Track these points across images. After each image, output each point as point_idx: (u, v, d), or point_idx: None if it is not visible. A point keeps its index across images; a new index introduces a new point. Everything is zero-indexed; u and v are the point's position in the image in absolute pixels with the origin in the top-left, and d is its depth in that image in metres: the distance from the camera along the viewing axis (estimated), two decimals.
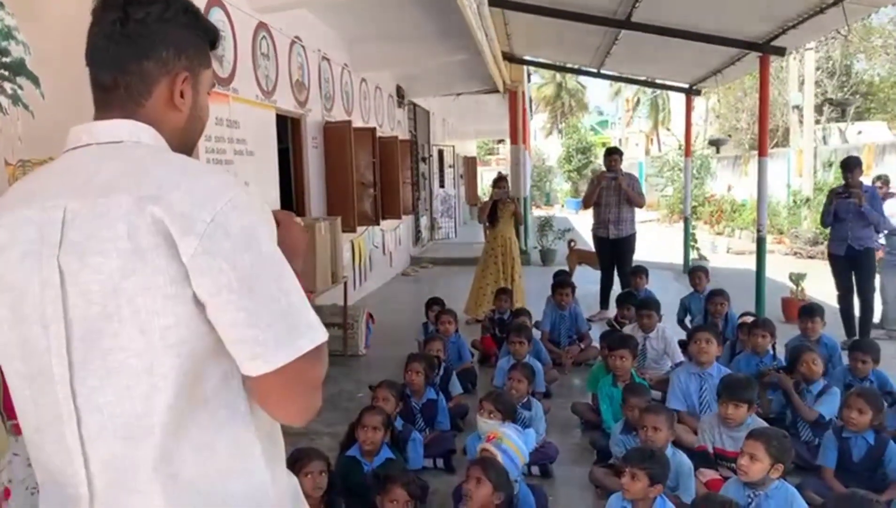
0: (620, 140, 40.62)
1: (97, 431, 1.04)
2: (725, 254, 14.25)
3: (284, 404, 1.09)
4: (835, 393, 4.10)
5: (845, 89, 21.21)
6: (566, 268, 9.28)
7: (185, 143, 1.22)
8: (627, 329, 5.55)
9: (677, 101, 25.36)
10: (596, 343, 5.85)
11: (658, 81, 13.13)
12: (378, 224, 9.48)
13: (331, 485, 3.08)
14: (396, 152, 10.01)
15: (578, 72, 14.96)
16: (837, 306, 6.70)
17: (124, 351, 1.01)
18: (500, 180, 8.28)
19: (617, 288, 7.74)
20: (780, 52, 7.55)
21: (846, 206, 6.42)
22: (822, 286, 7.59)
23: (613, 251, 7.94)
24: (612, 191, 7.76)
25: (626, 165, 8.50)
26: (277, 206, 6.59)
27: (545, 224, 13.18)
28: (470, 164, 24.41)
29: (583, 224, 16.04)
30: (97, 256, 1.00)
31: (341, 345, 6.39)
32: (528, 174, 17.77)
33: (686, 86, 11.18)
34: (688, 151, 11.86)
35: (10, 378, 1.12)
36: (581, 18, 7.94)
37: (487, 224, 8.09)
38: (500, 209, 7.88)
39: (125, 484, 1.04)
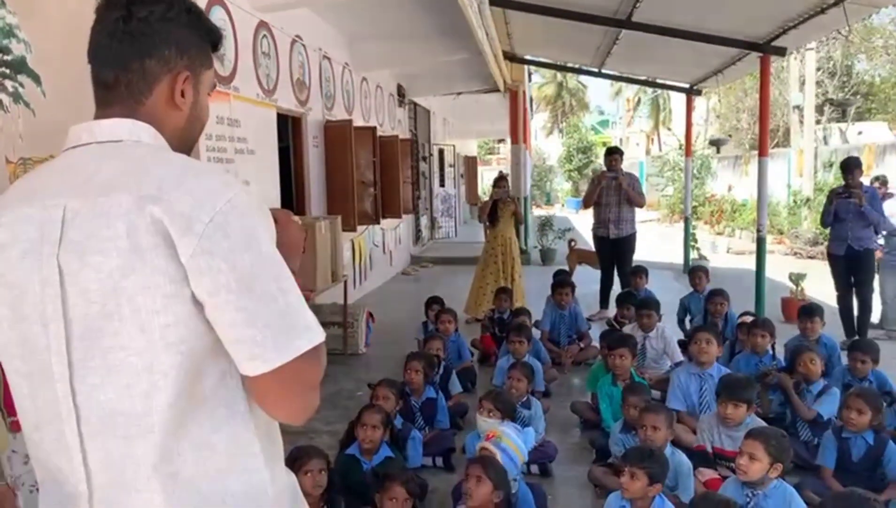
0: (621, 140, 40.65)
1: (97, 429, 1.05)
2: (725, 254, 14.25)
3: (283, 403, 1.10)
4: (834, 393, 4.11)
5: (846, 90, 21.21)
6: (566, 267, 9.28)
7: (184, 142, 1.22)
8: (627, 329, 5.56)
9: (678, 101, 25.35)
10: (596, 343, 5.86)
11: (659, 81, 13.13)
12: (378, 223, 9.48)
13: (330, 483, 3.09)
14: (397, 152, 10.01)
15: (579, 71, 14.96)
16: (836, 306, 6.71)
17: (124, 350, 1.01)
18: (500, 180, 8.29)
19: (617, 288, 7.74)
20: (781, 52, 7.55)
21: (846, 206, 6.42)
22: (821, 287, 7.59)
23: (614, 251, 7.94)
24: (612, 191, 7.76)
25: (626, 165, 8.50)
26: (278, 205, 6.60)
27: (545, 224, 13.18)
28: (470, 163, 24.41)
29: (583, 224, 16.05)
30: (97, 255, 1.00)
31: (341, 344, 6.39)
32: (529, 174, 17.76)
33: (687, 86, 11.18)
34: (688, 150, 11.86)
35: (10, 377, 1.12)
36: (582, 18, 7.94)
37: (487, 224, 8.09)
38: (500, 209, 7.88)
39: (124, 483, 1.05)
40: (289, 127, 7.29)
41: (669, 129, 35.42)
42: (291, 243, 1.23)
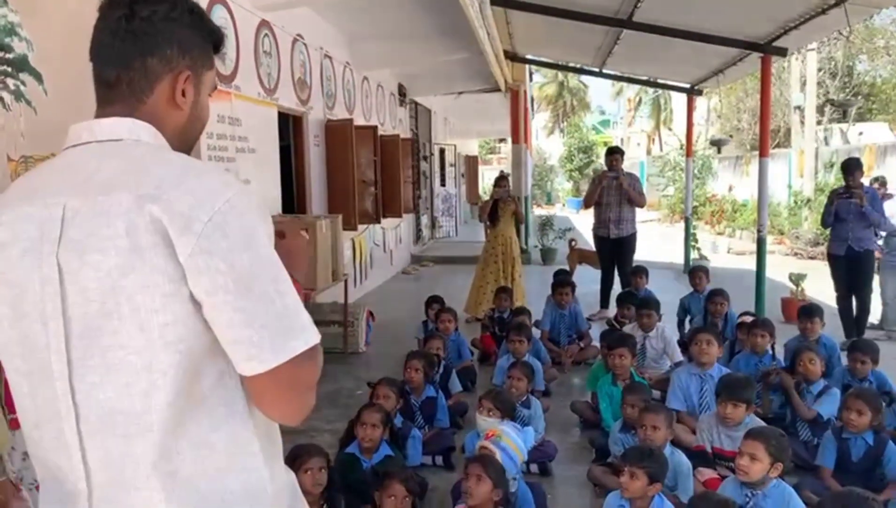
0: (622, 140, 40.62)
1: (96, 427, 1.05)
2: (726, 254, 14.25)
3: (279, 403, 1.10)
4: (834, 394, 4.11)
5: (847, 90, 21.18)
6: (567, 267, 9.28)
7: (184, 142, 1.23)
8: (627, 329, 5.57)
9: (679, 101, 25.35)
10: (596, 342, 5.86)
11: (660, 81, 13.13)
12: (379, 222, 9.48)
13: (330, 482, 3.09)
14: (398, 151, 10.01)
15: (580, 71, 14.97)
16: (836, 306, 6.71)
17: (124, 348, 1.01)
18: (501, 180, 8.30)
19: (617, 288, 7.74)
20: (782, 52, 7.55)
21: (847, 207, 6.42)
22: (822, 287, 7.59)
23: (614, 251, 7.94)
24: (613, 190, 7.76)
25: (627, 165, 8.50)
26: (279, 204, 6.61)
27: (546, 223, 13.18)
28: (471, 163, 24.40)
29: (584, 224, 16.05)
30: (96, 253, 1.01)
31: (342, 342, 6.40)
32: (530, 173, 17.77)
33: (688, 86, 11.18)
34: (689, 151, 11.86)
35: (9, 375, 1.12)
36: (583, 18, 7.94)
37: (488, 223, 8.09)
38: (500, 208, 7.89)
39: (124, 481, 1.05)
40: (290, 126, 7.30)
41: (670, 129, 35.42)
42: (297, 257, 1.25)
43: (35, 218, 1.06)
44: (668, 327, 5.67)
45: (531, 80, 19.04)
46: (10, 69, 3.12)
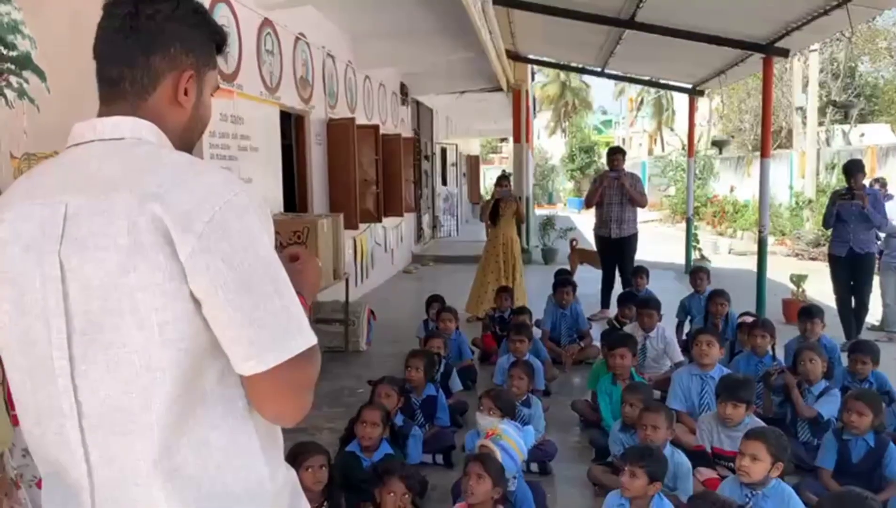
0: (624, 140, 40.62)
1: (97, 424, 1.06)
2: (727, 255, 14.25)
3: (276, 404, 1.11)
4: (835, 394, 4.11)
5: (849, 91, 21.17)
6: (568, 267, 9.28)
7: (186, 141, 1.23)
8: (628, 328, 5.57)
9: (681, 101, 25.36)
10: (596, 342, 5.87)
11: (662, 82, 13.13)
12: (380, 221, 9.48)
13: (331, 480, 3.10)
14: (399, 150, 10.01)
15: (582, 71, 14.97)
16: (836, 307, 6.71)
17: (125, 346, 1.02)
18: (502, 179, 8.31)
19: (618, 288, 7.75)
20: (784, 53, 7.54)
21: (849, 208, 6.42)
22: (823, 288, 7.58)
23: (615, 251, 7.94)
24: (614, 190, 7.76)
25: (629, 165, 8.49)
26: (281, 202, 6.62)
27: (547, 223, 13.19)
28: (473, 162, 24.42)
29: (585, 224, 16.05)
30: (98, 251, 1.01)
31: (342, 341, 6.40)
32: (531, 173, 17.77)
33: (689, 86, 11.18)
34: (691, 151, 11.86)
35: (11, 372, 1.13)
36: (585, 18, 7.94)
37: (489, 223, 8.10)
38: (502, 208, 7.89)
39: (125, 478, 1.06)
40: (292, 125, 7.30)
41: (672, 129, 35.39)
42: (309, 280, 1.26)
43: (37, 216, 1.07)
44: (668, 327, 5.67)
45: (533, 79, 19.02)
46: (13, 67, 3.13)
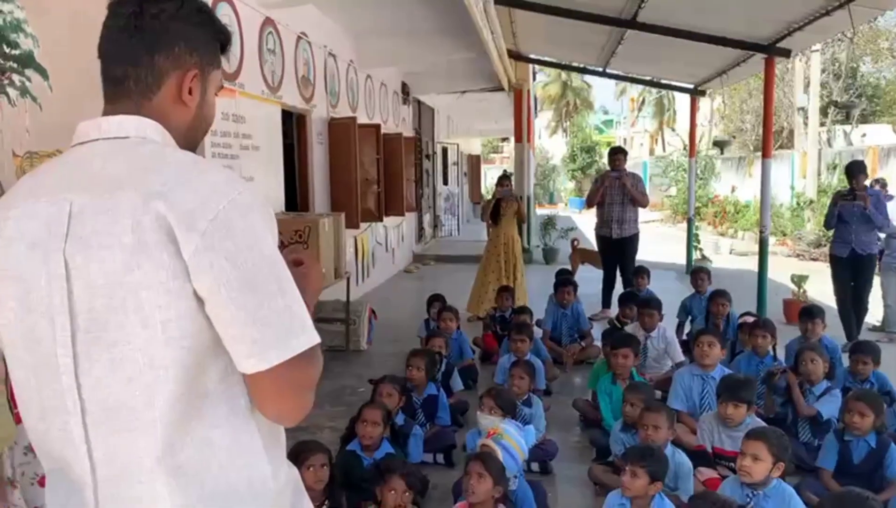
0: (625, 140, 40.57)
1: (101, 421, 1.06)
2: (728, 255, 14.25)
3: (277, 402, 1.11)
4: (836, 395, 4.11)
5: (851, 92, 21.17)
6: (569, 267, 9.28)
7: (189, 140, 1.24)
8: (629, 328, 5.57)
9: (683, 101, 25.35)
10: (597, 342, 5.87)
11: (663, 82, 13.13)
12: (381, 221, 9.49)
13: (332, 478, 3.10)
14: (400, 149, 10.01)
15: (584, 71, 14.97)
16: (837, 308, 6.71)
17: (129, 344, 1.03)
18: (503, 179, 8.32)
19: (619, 288, 7.75)
20: (786, 53, 7.54)
21: (850, 209, 6.42)
22: (824, 288, 7.58)
23: (616, 251, 7.94)
24: (615, 190, 7.76)
25: (630, 165, 8.51)
26: (282, 201, 6.62)
27: (548, 223, 13.19)
28: (474, 162, 24.43)
29: (586, 223, 16.04)
30: (102, 250, 1.02)
31: (343, 340, 6.41)
32: (532, 173, 17.77)
33: (691, 86, 11.17)
34: (692, 151, 11.86)
35: (15, 369, 1.13)
36: (587, 18, 7.94)
37: (490, 222, 8.10)
38: (503, 208, 7.89)
39: (129, 475, 1.06)
40: (293, 124, 7.31)
41: (674, 129, 35.38)
42: (312, 285, 1.26)
43: (42, 215, 1.07)
44: (669, 327, 5.67)
45: (534, 79, 19.04)
46: (15, 65, 3.13)
